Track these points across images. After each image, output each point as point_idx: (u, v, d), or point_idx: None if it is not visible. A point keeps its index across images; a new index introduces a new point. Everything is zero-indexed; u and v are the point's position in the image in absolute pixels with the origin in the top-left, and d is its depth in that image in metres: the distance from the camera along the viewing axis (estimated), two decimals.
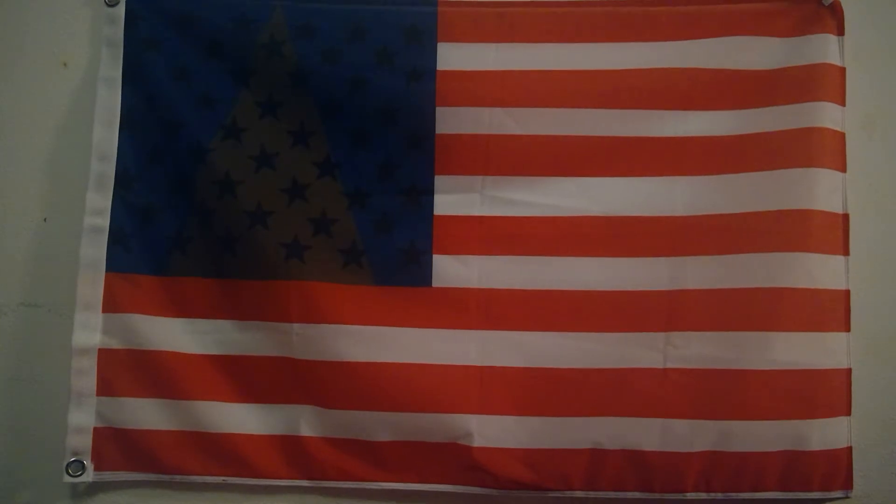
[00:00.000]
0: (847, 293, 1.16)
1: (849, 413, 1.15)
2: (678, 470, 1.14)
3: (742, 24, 1.18)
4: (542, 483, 1.15)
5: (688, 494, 1.14)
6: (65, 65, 1.23)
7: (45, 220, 1.22)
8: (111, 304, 1.16)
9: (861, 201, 1.19)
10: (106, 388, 1.16)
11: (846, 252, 1.16)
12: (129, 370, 1.16)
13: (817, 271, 1.14)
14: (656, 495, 1.15)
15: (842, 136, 1.17)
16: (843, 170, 1.17)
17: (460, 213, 1.18)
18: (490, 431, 1.15)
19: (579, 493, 1.15)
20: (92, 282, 1.16)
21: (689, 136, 1.17)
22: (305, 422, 1.16)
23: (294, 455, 1.16)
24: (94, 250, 1.16)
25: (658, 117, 1.18)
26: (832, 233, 1.16)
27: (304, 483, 1.17)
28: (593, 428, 1.15)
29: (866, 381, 1.17)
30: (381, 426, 1.15)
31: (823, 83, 1.16)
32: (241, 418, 1.17)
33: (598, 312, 1.16)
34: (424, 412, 1.15)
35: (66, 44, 1.23)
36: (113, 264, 1.16)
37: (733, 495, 1.14)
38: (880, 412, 1.18)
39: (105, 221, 1.17)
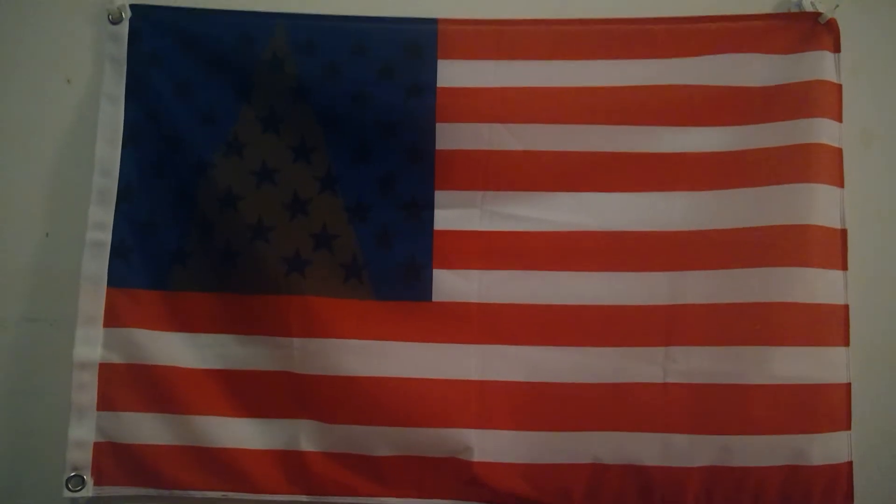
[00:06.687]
0: (846, 308, 1.16)
1: (849, 427, 1.15)
2: (679, 484, 1.14)
3: (739, 41, 1.19)
4: (543, 498, 1.14)
5: None
6: (68, 81, 1.24)
7: (47, 234, 1.22)
8: (112, 319, 1.16)
9: (859, 216, 1.19)
10: (106, 402, 1.16)
11: (844, 267, 1.17)
12: (129, 385, 1.16)
13: (816, 286, 1.15)
14: None
15: (839, 151, 1.18)
16: (841, 185, 1.17)
17: (460, 228, 1.19)
18: (490, 446, 1.15)
19: None
20: (93, 296, 1.16)
21: (687, 151, 1.18)
22: (306, 436, 1.16)
23: (294, 470, 1.16)
24: (96, 265, 1.16)
25: (656, 133, 1.18)
26: (830, 248, 1.16)
27: (304, 498, 1.16)
28: (593, 442, 1.15)
29: (866, 395, 1.17)
30: (381, 441, 1.15)
31: (820, 100, 1.17)
32: (241, 433, 1.16)
33: (598, 327, 1.16)
34: (424, 427, 1.15)
35: (69, 61, 1.24)
36: (114, 279, 1.16)
37: None
38: (880, 426, 1.18)
39: (107, 236, 1.17)
